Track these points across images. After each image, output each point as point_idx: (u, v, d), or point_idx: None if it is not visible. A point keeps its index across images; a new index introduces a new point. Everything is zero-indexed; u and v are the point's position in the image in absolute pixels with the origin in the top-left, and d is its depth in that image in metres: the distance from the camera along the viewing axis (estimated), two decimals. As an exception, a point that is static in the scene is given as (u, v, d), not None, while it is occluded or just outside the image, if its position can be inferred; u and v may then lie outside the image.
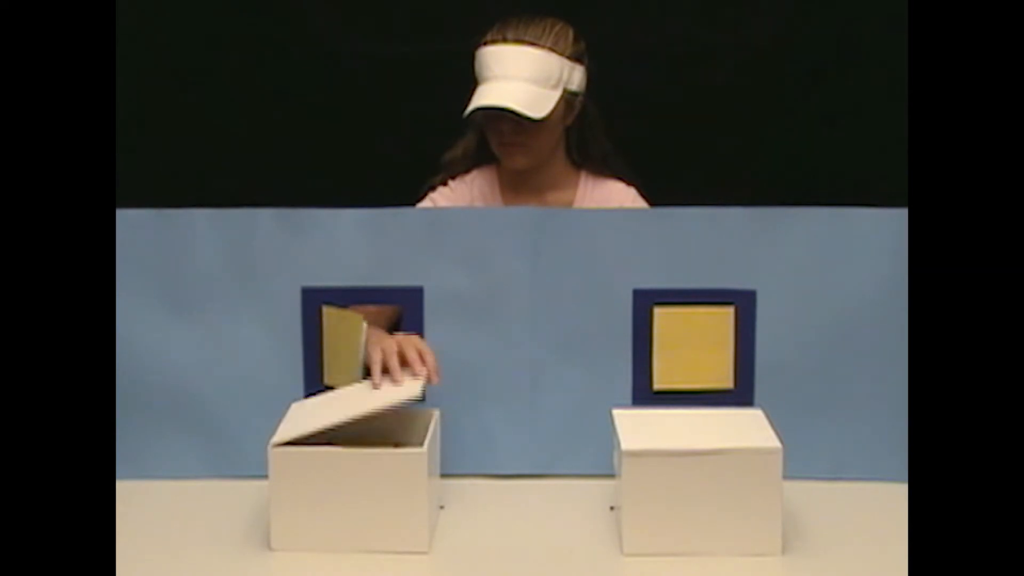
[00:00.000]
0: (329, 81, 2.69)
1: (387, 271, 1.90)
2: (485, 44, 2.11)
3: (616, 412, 1.76)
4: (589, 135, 2.21)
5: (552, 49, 2.08)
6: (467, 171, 2.25)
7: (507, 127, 2.10)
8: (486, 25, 2.14)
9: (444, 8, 2.64)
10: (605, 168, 2.23)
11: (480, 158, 2.24)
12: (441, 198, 2.22)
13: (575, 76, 2.12)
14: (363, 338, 1.83)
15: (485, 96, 2.07)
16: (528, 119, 2.05)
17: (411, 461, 1.65)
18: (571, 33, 2.13)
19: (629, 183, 2.23)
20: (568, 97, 2.12)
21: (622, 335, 1.91)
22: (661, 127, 2.60)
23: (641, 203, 2.21)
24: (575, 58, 2.12)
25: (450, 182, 2.24)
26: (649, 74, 2.65)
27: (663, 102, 2.65)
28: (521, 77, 2.06)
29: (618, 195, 2.21)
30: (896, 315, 1.80)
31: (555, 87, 2.08)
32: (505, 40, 2.09)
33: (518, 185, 2.20)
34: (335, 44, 2.69)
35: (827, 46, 2.64)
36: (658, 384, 1.91)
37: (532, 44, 2.08)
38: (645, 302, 1.90)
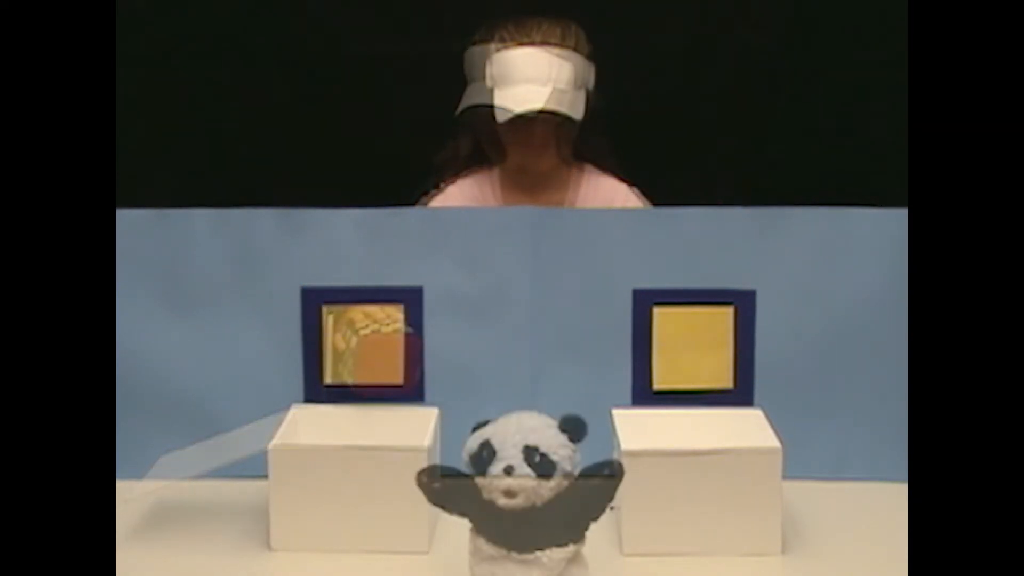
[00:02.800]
0: (329, 81, 2.70)
1: (387, 271, 1.90)
2: (506, 46, 2.08)
3: (616, 412, 1.76)
4: (589, 133, 2.21)
5: (575, 49, 2.07)
6: (462, 174, 2.24)
7: (540, 129, 2.08)
8: (488, 25, 2.13)
9: (444, 8, 2.64)
10: (603, 165, 2.23)
11: (472, 160, 2.23)
12: (444, 202, 2.21)
13: (591, 76, 2.12)
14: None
15: (522, 100, 2.02)
16: (571, 120, 2.03)
17: (411, 461, 1.64)
18: (583, 33, 2.13)
19: (623, 179, 2.23)
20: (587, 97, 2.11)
21: (622, 335, 1.90)
22: (661, 127, 2.60)
23: (638, 198, 2.21)
24: (590, 58, 2.12)
25: (448, 186, 2.23)
26: (649, 74, 2.65)
27: (663, 102, 2.65)
28: (557, 79, 2.03)
29: (619, 193, 2.21)
30: (896, 315, 1.79)
31: (581, 87, 2.07)
32: (532, 42, 2.06)
33: (518, 186, 2.20)
34: (335, 44, 2.70)
35: (827, 46, 2.64)
36: (658, 384, 1.90)
37: (559, 45, 2.06)
38: (645, 302, 1.90)
